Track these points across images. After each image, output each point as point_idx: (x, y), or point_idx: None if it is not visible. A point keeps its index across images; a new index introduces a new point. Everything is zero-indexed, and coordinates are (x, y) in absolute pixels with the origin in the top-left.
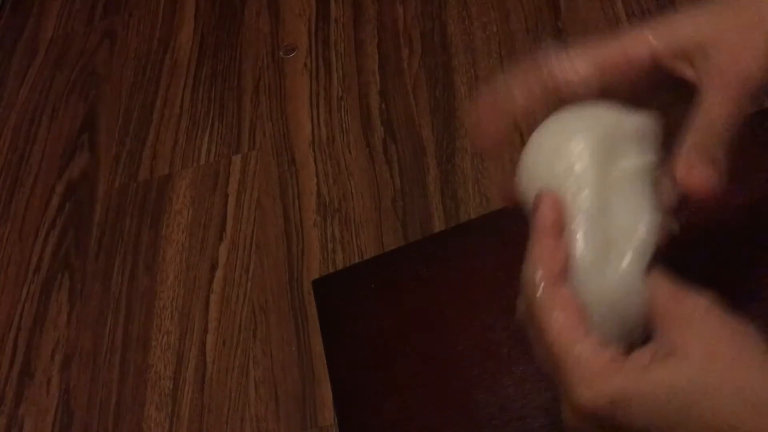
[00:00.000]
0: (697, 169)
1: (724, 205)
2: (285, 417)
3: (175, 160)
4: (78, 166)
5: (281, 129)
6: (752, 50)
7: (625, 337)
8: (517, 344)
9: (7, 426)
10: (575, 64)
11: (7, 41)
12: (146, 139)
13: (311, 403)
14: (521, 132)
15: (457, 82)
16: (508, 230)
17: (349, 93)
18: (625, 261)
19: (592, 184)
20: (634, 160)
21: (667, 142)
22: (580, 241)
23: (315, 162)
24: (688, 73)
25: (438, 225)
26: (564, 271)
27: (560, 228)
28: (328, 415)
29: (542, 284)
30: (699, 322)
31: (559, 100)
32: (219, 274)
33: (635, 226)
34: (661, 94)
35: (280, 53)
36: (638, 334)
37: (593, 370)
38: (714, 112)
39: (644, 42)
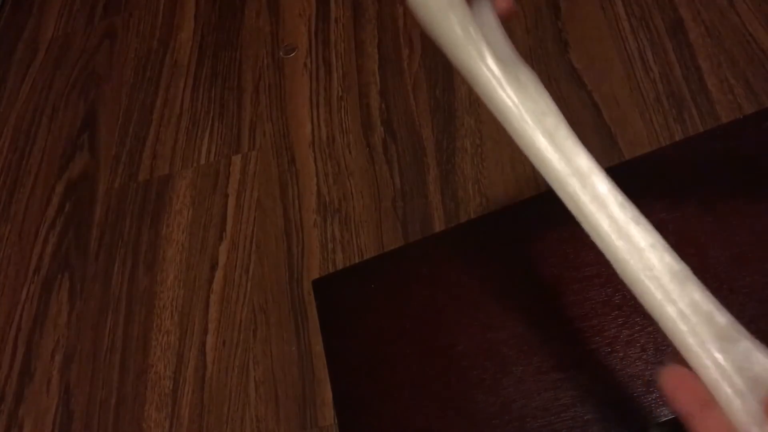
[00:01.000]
0: None
1: None
2: (285, 417)
3: (175, 160)
4: (78, 166)
5: (281, 129)
6: None
7: None
8: (517, 344)
9: (7, 426)
10: None
11: (7, 41)
12: (146, 139)
13: (311, 403)
14: None
15: (457, 82)
16: (508, 230)
17: (349, 93)
18: None
19: None
20: None
21: None
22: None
23: (315, 162)
24: None
25: (438, 225)
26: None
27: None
28: (328, 415)
29: None
30: None
31: None
32: (219, 274)
33: None
34: None
35: (280, 53)
36: None
37: None
38: None
39: None
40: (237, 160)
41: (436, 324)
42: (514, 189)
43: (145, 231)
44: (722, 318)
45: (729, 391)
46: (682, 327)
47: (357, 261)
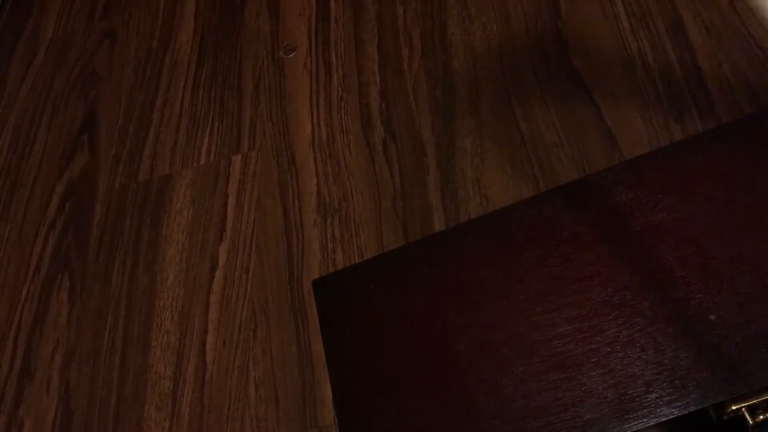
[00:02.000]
0: None
1: None
2: (285, 417)
3: (175, 160)
4: (78, 166)
5: (281, 129)
6: None
7: None
8: (517, 344)
9: (7, 426)
10: None
11: (7, 41)
12: (146, 139)
13: (311, 403)
14: None
15: (457, 81)
16: (508, 230)
17: (349, 93)
18: None
19: None
20: None
21: None
22: None
23: (315, 162)
24: None
25: (438, 225)
26: None
27: None
28: (328, 415)
29: None
30: None
31: None
32: (219, 274)
33: None
34: None
35: (280, 53)
36: None
37: None
38: None
39: None
40: (237, 160)
41: (436, 324)
42: (514, 189)
43: (145, 231)
44: None
45: None
46: None
47: (357, 261)
